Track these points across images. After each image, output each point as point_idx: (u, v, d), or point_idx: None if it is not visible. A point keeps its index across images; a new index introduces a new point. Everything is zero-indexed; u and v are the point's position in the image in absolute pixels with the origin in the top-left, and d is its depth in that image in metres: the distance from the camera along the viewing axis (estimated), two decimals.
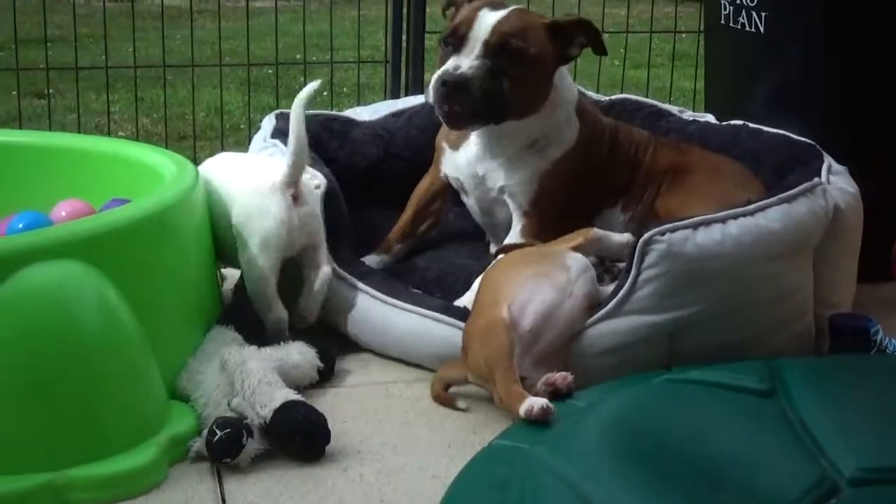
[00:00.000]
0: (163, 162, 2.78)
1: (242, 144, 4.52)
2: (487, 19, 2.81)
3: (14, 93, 5.43)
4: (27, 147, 3.09)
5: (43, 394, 2.16)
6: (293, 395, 2.35)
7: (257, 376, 2.36)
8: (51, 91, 5.20)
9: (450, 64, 2.79)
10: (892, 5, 3.13)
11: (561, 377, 2.36)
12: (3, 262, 2.17)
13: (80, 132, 4.45)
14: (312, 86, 2.69)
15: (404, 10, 4.04)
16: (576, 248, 2.65)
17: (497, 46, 2.78)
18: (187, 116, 4.75)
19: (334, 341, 2.75)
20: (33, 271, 2.17)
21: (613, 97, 3.45)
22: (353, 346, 2.82)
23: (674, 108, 3.38)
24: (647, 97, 3.55)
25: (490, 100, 2.77)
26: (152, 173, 2.76)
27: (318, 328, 2.82)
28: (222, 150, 3.72)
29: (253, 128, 3.36)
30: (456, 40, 2.81)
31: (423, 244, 3.18)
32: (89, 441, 2.20)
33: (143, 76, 4.56)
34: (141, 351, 2.31)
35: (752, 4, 3.26)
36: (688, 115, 3.34)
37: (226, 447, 2.24)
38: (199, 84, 4.53)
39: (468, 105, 2.77)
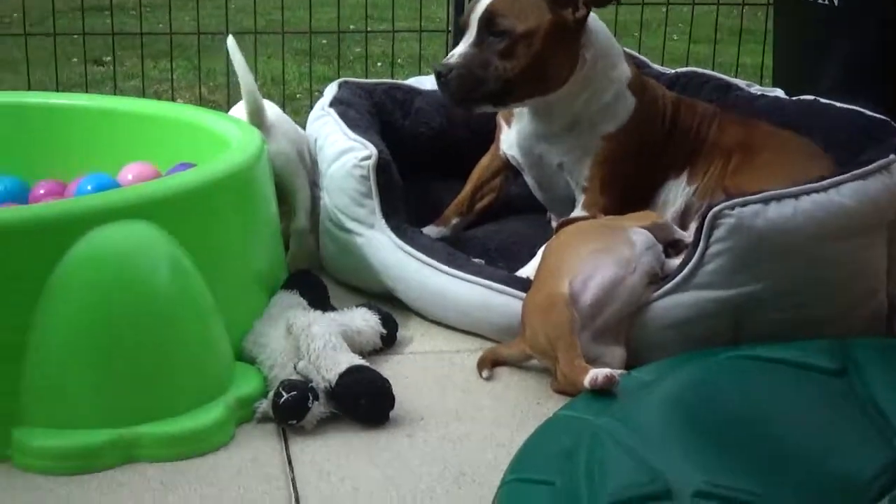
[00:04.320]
0: (228, 128, 2.79)
1: (299, 113, 4.55)
2: (483, 2, 2.82)
3: (74, 60, 5.49)
4: (96, 110, 3.10)
5: (113, 351, 2.19)
6: (358, 360, 2.36)
7: (322, 340, 2.36)
8: (109, 59, 5.22)
9: (452, 52, 2.83)
10: None
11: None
12: (77, 222, 2.18)
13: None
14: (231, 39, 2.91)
15: None
16: (643, 227, 2.63)
17: (486, 28, 2.79)
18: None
19: (395, 309, 2.74)
20: (106, 231, 2.19)
21: (680, 70, 3.41)
22: (413, 314, 2.82)
23: (741, 83, 3.33)
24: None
25: (480, 85, 2.78)
26: (218, 139, 2.76)
27: (379, 296, 2.83)
28: None
29: (313, 98, 3.34)
30: (461, 28, 2.85)
31: (484, 216, 3.18)
32: (158, 399, 2.22)
33: (200, 45, 4.55)
34: (209, 312, 2.32)
35: None
36: (756, 89, 3.29)
37: (292, 409, 2.25)
38: (254, 54, 4.53)
39: (459, 93, 2.79)
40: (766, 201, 2.51)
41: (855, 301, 2.63)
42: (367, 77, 3.18)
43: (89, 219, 2.19)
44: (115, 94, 4.40)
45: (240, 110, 2.97)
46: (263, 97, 2.97)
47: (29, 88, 4.36)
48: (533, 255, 2.82)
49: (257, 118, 2.89)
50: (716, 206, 2.51)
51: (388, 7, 4.48)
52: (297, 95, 4.94)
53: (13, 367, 2.15)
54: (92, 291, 2.17)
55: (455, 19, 4.03)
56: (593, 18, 2.92)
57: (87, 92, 4.33)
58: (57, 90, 4.47)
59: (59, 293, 2.15)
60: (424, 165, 3.08)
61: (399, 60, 5.50)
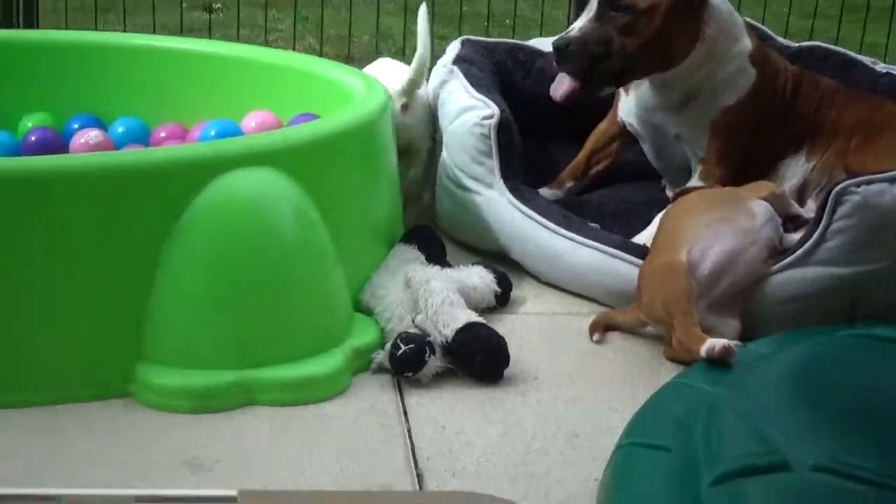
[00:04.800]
0: (351, 80, 2.82)
1: None
2: None
3: (185, 4, 5.53)
4: (219, 57, 3.16)
5: (236, 294, 2.23)
6: (475, 317, 2.38)
7: (441, 296, 2.39)
8: (219, 5, 5.29)
9: (571, 26, 2.81)
10: None
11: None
12: (208, 167, 2.22)
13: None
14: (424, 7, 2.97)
15: None
16: (762, 198, 2.62)
17: (607, 3, 2.77)
18: (355, 39, 4.79)
19: (507, 269, 2.75)
20: (234, 177, 2.22)
21: (803, 44, 3.38)
22: (526, 274, 2.83)
23: (866, 59, 3.29)
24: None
25: (600, 60, 2.77)
26: (340, 90, 2.80)
27: (492, 254, 2.85)
28: None
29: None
30: (583, 1, 2.83)
31: (598, 181, 3.18)
32: (278, 344, 2.26)
33: None
34: (331, 261, 2.36)
35: None
36: (881, 67, 3.25)
37: (409, 362, 2.28)
38: (357, 7, 4.56)
39: (578, 68, 2.79)
40: (892, 180, 2.49)
41: None
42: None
43: (221, 164, 2.22)
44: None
45: (379, 69, 3.00)
46: (372, 51, 3.03)
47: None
48: (648, 221, 2.83)
49: (413, 89, 2.95)
50: (841, 182, 2.49)
51: None
52: (407, 52, 4.94)
53: (139, 306, 2.19)
54: (219, 235, 2.21)
55: None
56: None
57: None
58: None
59: (187, 235, 2.19)
60: (541, 127, 3.09)
61: (507, 21, 5.49)
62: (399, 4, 5.11)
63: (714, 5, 2.88)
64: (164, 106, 3.16)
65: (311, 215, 2.30)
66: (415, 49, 2.93)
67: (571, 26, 2.83)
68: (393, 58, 3.36)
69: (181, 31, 4.49)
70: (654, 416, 2.10)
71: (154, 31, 4.59)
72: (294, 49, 4.90)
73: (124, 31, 4.57)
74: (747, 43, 2.93)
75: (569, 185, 3.12)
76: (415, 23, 2.98)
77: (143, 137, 3.07)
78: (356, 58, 4.86)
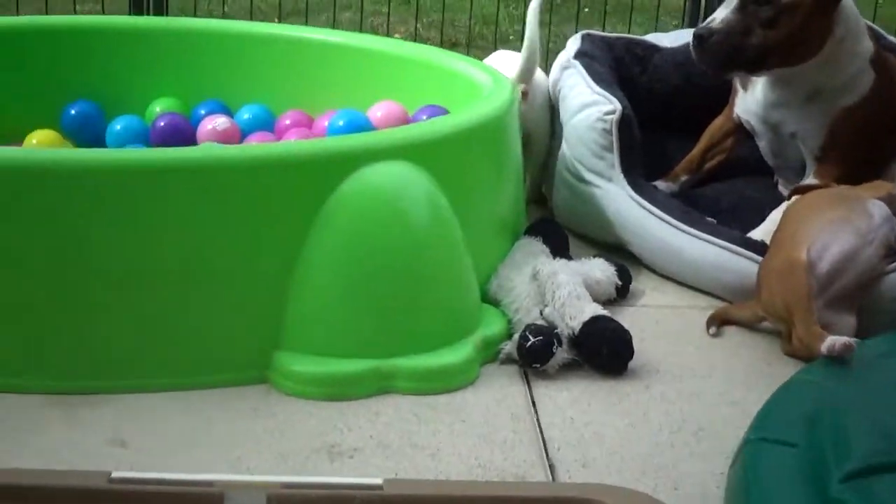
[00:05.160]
0: (475, 73, 2.90)
1: None
2: None
3: None
4: (344, 47, 3.27)
5: (374, 284, 2.31)
6: (601, 310, 2.45)
7: (567, 289, 2.46)
8: None
9: (713, 16, 2.87)
10: None
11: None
12: (346, 162, 2.30)
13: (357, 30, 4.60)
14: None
15: None
16: (878, 198, 2.67)
17: None
18: (456, 23, 4.85)
19: (624, 261, 2.82)
20: (372, 170, 2.30)
21: None
22: (643, 267, 2.90)
23: None
24: None
25: (740, 52, 2.83)
26: (465, 83, 2.88)
27: (609, 246, 2.93)
28: None
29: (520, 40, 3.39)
30: None
31: (712, 176, 3.24)
32: (413, 333, 2.34)
33: None
34: (462, 252, 2.43)
35: None
36: None
37: (537, 353, 2.35)
38: None
39: (717, 58, 2.85)
40: None
41: None
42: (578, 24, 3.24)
43: (360, 157, 2.30)
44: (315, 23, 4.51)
45: (497, 60, 3.09)
46: (477, 37, 3.09)
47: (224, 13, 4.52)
48: (763, 217, 2.89)
49: (528, 76, 3.04)
50: None
51: None
52: (510, 37, 5.01)
53: (279, 294, 2.28)
54: (358, 226, 2.29)
55: None
56: None
57: (283, 20, 4.45)
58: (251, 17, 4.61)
59: (328, 225, 2.27)
60: (658, 121, 3.14)
61: (607, 8, 5.52)
62: None
63: (845, 6, 2.94)
64: (289, 93, 3.26)
65: (444, 208, 2.38)
66: (516, 34, 3.00)
67: (713, 16, 2.89)
68: (497, 44, 3.42)
69: (280, 14, 4.57)
70: (781, 411, 2.16)
71: (251, 14, 4.68)
72: (402, 33, 5.00)
73: (223, 12, 4.66)
74: (869, 45, 2.98)
75: (683, 178, 3.19)
76: (513, 7, 3.05)
77: (268, 124, 3.17)
78: (460, 43, 4.95)
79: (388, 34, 4.64)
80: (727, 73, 2.96)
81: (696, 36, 2.88)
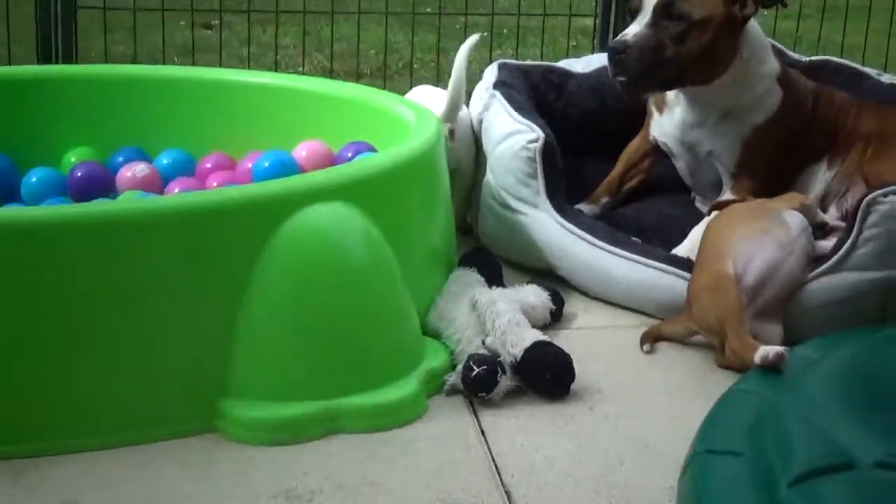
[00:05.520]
0: (401, 109, 2.95)
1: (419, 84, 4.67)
2: None
3: (182, 23, 5.59)
4: (262, 87, 3.29)
5: (318, 325, 2.33)
6: (541, 336, 2.51)
7: (507, 316, 2.52)
8: (217, 22, 5.32)
9: (626, 31, 2.95)
10: None
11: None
12: (286, 204, 2.32)
13: (251, 66, 4.60)
14: (475, 38, 3.07)
15: None
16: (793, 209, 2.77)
17: (663, 11, 2.92)
18: (361, 54, 4.87)
19: (554, 285, 2.87)
20: (311, 212, 2.32)
21: (814, 59, 3.55)
22: (573, 290, 2.96)
23: (872, 71, 3.47)
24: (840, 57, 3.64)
25: (654, 65, 2.91)
26: (390, 120, 2.93)
27: (537, 271, 2.99)
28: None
29: (425, 69, 3.45)
30: (634, 9, 2.97)
31: (631, 196, 3.33)
32: (360, 371, 2.36)
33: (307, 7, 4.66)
34: (401, 287, 2.47)
35: None
36: (886, 78, 3.43)
37: (482, 382, 2.40)
38: (363, 20, 4.63)
39: (632, 71, 2.91)
40: None
41: None
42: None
43: (297, 199, 2.33)
44: (224, 60, 4.51)
45: (420, 96, 3.15)
46: (381, 65, 3.12)
47: (135, 55, 4.48)
48: (684, 234, 2.99)
49: (454, 115, 3.09)
50: (870, 194, 2.65)
51: None
52: (415, 65, 5.05)
53: (223, 341, 2.28)
54: (298, 269, 2.31)
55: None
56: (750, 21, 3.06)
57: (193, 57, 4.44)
58: (163, 55, 4.58)
59: (268, 270, 2.28)
60: (575, 146, 3.22)
61: (504, 31, 5.59)
62: (405, 20, 5.22)
63: (750, 28, 3.05)
64: (208, 136, 3.27)
65: (381, 245, 2.42)
66: (419, 62, 3.04)
67: (626, 31, 2.96)
68: (403, 72, 3.46)
69: (193, 51, 4.56)
70: (724, 423, 2.24)
71: (164, 57, 4.65)
72: (303, 66, 5.01)
73: (134, 51, 4.63)
74: (775, 65, 3.10)
75: (604, 200, 3.27)
76: (420, 36, 3.09)
77: (189, 169, 3.17)
78: (367, 74, 4.99)
79: (291, 69, 4.65)
80: (642, 88, 3.02)
81: (610, 49, 2.95)
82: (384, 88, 3.99)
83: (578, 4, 5.04)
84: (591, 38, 4.57)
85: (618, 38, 2.97)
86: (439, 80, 4.50)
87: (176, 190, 2.98)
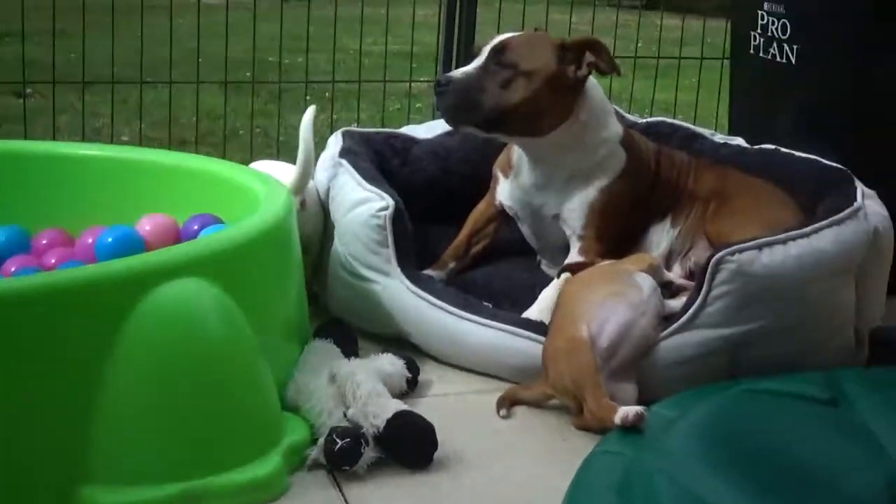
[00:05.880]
0: (247, 179, 2.92)
1: (245, 151, 4.64)
2: (501, 36, 3.07)
3: None
4: (104, 159, 3.21)
5: (178, 406, 2.27)
6: (402, 406, 2.50)
7: (368, 387, 2.50)
8: (30, 90, 5.20)
9: (460, 69, 3.08)
10: None
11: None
12: (142, 282, 2.25)
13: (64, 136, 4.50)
14: (313, 110, 3.13)
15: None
16: (643, 271, 2.83)
17: (494, 56, 3.02)
18: (182, 121, 4.82)
19: (409, 353, 2.87)
20: (167, 289, 2.27)
21: (649, 120, 3.64)
22: (426, 357, 2.95)
23: (706, 132, 3.57)
24: (674, 119, 3.76)
25: (472, 105, 2.99)
26: (236, 191, 2.90)
27: (389, 339, 2.98)
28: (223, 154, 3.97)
29: (253, 136, 3.42)
30: (474, 53, 3.09)
31: (477, 260, 3.35)
32: (221, 450, 2.31)
33: (119, 75, 4.58)
34: (259, 362, 2.43)
35: (784, 37, 3.49)
36: (719, 138, 3.53)
37: (346, 455, 2.37)
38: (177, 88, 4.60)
39: (451, 107, 3.01)
40: (759, 248, 2.74)
41: (830, 336, 2.88)
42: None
43: (153, 277, 2.27)
44: (37, 130, 4.39)
45: (267, 167, 3.12)
46: (204, 132, 3.09)
47: None
48: (534, 296, 3.01)
49: (303, 186, 3.09)
50: (718, 252, 2.73)
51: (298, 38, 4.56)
52: (240, 132, 5.01)
53: (80, 425, 2.20)
54: (157, 348, 2.25)
55: (444, 62, 4.31)
56: (592, 84, 3.14)
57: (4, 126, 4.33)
58: None
59: (125, 351, 2.22)
60: (420, 211, 3.22)
61: (326, 94, 5.59)
62: (222, 85, 5.17)
63: (589, 94, 3.12)
64: (44, 212, 3.15)
65: (239, 321, 2.37)
66: (245, 128, 3.02)
67: (458, 69, 3.08)
68: (228, 138, 3.42)
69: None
70: (591, 485, 2.26)
71: None
72: (128, 135, 4.91)
73: None
74: (618, 128, 3.17)
75: (451, 265, 3.28)
76: (237, 100, 3.07)
77: (24, 246, 3.06)
78: (188, 140, 4.92)
79: (112, 139, 4.55)
80: (459, 123, 3.08)
81: (436, 82, 3.05)
82: (197, 154, 3.96)
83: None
84: (421, 101, 4.63)
85: (447, 74, 3.07)
86: (253, 147, 4.51)
87: (13, 269, 2.87)
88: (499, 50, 3.02)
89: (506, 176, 3.25)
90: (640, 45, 5.11)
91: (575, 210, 3.11)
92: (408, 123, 3.81)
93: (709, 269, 2.72)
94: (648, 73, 5.01)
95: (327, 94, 5.36)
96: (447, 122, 3.12)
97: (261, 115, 4.78)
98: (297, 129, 3.09)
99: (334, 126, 4.24)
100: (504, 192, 3.26)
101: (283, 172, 3.11)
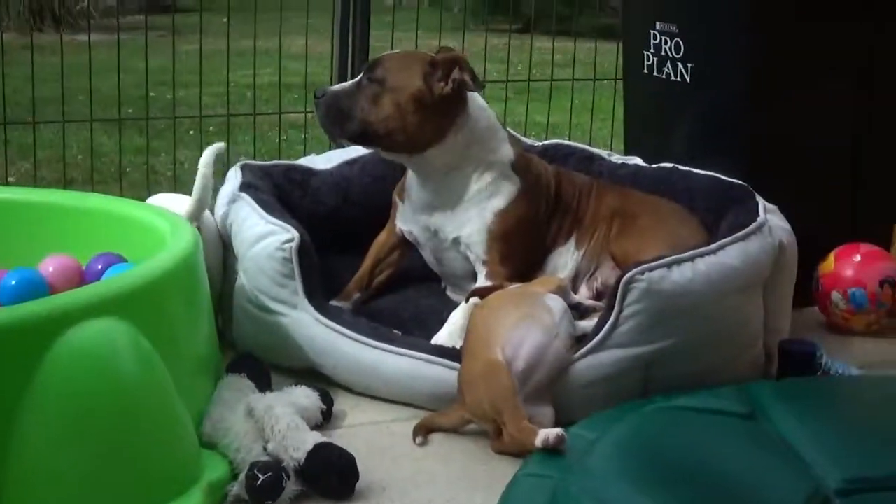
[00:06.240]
0: (147, 216, 2.88)
1: (135, 187, 4.57)
2: (382, 54, 3.14)
3: None
4: (10, 202, 3.12)
5: (96, 446, 2.21)
6: (322, 438, 2.47)
7: (286, 420, 2.47)
8: None
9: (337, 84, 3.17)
10: (811, 70, 3.45)
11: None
12: (54, 324, 2.20)
13: None
14: (220, 146, 3.17)
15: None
16: (552, 293, 2.84)
17: (368, 72, 3.08)
18: (68, 160, 4.71)
19: (318, 384, 2.83)
20: (80, 330, 2.22)
21: (546, 142, 3.67)
22: (338, 388, 2.91)
23: (603, 152, 3.61)
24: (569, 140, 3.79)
25: (343, 118, 3.06)
26: (137, 228, 2.85)
27: (298, 371, 2.93)
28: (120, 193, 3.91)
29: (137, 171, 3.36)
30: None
31: (382, 289, 3.34)
32: (141, 490, 2.25)
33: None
34: (175, 400, 2.38)
35: (677, 56, 3.54)
36: (616, 158, 3.57)
37: (268, 490, 2.33)
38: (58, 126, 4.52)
39: (325, 119, 3.09)
40: (668, 266, 2.77)
41: (739, 351, 2.92)
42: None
43: (69, 317, 2.21)
44: None
45: (160, 202, 3.07)
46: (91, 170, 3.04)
47: None
48: (442, 322, 3.00)
49: (198, 213, 3.07)
50: (628, 272, 2.74)
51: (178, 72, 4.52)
52: (128, 169, 4.92)
53: None
54: (73, 391, 2.19)
55: None
56: (477, 106, 3.15)
57: None
58: None
59: (40, 394, 2.16)
60: (323, 242, 3.17)
61: (211, 128, 5.55)
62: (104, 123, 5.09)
63: (472, 116, 3.12)
64: None
65: (154, 359, 2.32)
66: (133, 165, 2.98)
67: (340, 84, 3.17)
68: (111, 177, 3.36)
69: None
70: None
71: None
72: (7, 174, 4.80)
73: None
74: (508, 152, 3.18)
75: (356, 296, 3.26)
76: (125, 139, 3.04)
77: None
78: (76, 180, 4.83)
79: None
80: (335, 135, 3.15)
81: (314, 94, 3.12)
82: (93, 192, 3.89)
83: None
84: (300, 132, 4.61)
85: (324, 87, 3.14)
86: (146, 184, 4.44)
87: None
88: (372, 66, 3.10)
89: (402, 200, 3.25)
90: (519, 67, 5.14)
91: (474, 235, 3.12)
92: (303, 155, 3.77)
93: (619, 289, 2.74)
94: (536, 95, 5.04)
95: (212, 127, 5.31)
96: (326, 133, 3.20)
97: (143, 152, 4.71)
98: (185, 164, 3.06)
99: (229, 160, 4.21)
100: (402, 217, 3.26)
101: (179, 205, 3.07)
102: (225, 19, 4.53)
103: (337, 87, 3.13)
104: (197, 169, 3.07)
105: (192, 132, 5.73)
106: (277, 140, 4.67)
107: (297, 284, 2.94)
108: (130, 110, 5.48)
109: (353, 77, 3.34)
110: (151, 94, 4.88)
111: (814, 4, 3.45)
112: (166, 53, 4.50)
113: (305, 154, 3.80)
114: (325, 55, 4.49)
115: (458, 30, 4.90)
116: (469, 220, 3.12)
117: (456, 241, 3.14)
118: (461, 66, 3.03)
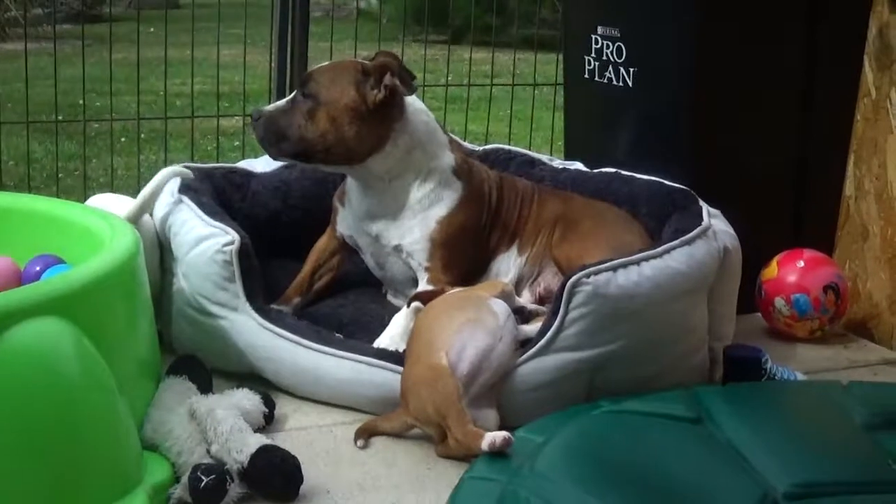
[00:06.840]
0: (86, 217, 2.82)
1: (68, 193, 4.50)
2: (313, 68, 3.13)
3: None
4: None
5: (37, 449, 2.16)
6: (265, 440, 2.43)
7: (229, 423, 2.44)
8: None
9: (273, 104, 3.15)
10: (751, 72, 3.46)
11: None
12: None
13: None
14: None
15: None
16: (496, 296, 2.82)
17: (300, 89, 3.07)
18: (2, 166, 4.65)
19: (260, 388, 2.78)
20: (23, 329, 2.17)
21: (487, 147, 3.65)
22: (280, 391, 2.88)
23: (544, 157, 3.60)
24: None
25: (281, 137, 3.03)
26: (76, 229, 2.80)
27: (239, 375, 2.89)
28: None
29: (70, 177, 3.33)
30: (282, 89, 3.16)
31: (322, 293, 3.30)
32: (83, 493, 2.21)
33: None
34: (118, 401, 2.33)
35: (619, 61, 3.53)
36: (557, 163, 3.56)
37: (212, 492, 2.29)
38: None
39: (264, 138, 3.07)
40: (614, 269, 2.76)
41: (684, 355, 2.92)
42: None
43: (10, 316, 2.16)
44: None
45: (100, 202, 3.03)
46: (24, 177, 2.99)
47: None
48: (383, 326, 2.97)
49: (139, 216, 3.04)
50: (573, 276, 2.73)
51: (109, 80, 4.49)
52: (61, 175, 4.85)
53: None
54: (12, 392, 2.14)
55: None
56: (416, 111, 3.13)
57: None
58: None
59: None
60: (262, 246, 3.13)
61: (143, 136, 5.49)
62: (39, 127, 5.03)
63: (411, 122, 3.10)
64: None
65: (96, 360, 2.27)
66: (66, 171, 2.93)
67: (274, 103, 3.14)
68: (44, 183, 3.32)
69: None
70: None
71: None
72: None
73: None
74: (450, 158, 3.16)
75: (296, 300, 3.22)
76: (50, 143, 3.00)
77: None
78: (10, 186, 4.75)
79: None
80: (275, 153, 3.11)
81: (252, 115, 3.10)
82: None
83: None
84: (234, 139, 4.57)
85: (259, 108, 3.12)
86: (87, 189, 4.38)
87: None
88: (304, 82, 3.07)
89: (342, 205, 3.22)
90: (450, 77, 5.13)
91: (416, 244, 3.09)
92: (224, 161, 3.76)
93: (565, 292, 2.72)
94: (470, 105, 5.04)
95: (143, 135, 5.26)
96: (266, 151, 3.14)
97: (75, 158, 4.65)
98: (118, 170, 3.02)
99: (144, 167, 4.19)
100: (342, 222, 3.24)
101: (120, 205, 3.03)
102: (152, 28, 4.51)
103: (272, 106, 3.10)
104: (130, 175, 3.04)
105: (123, 139, 5.68)
106: (211, 147, 4.64)
107: (238, 287, 2.89)
108: (61, 117, 5.43)
109: (292, 88, 3.31)
110: (80, 101, 4.83)
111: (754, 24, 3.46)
112: (95, 62, 4.46)
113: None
114: (256, 64, 4.46)
115: (388, 41, 4.88)
116: (411, 229, 3.10)
117: (398, 249, 3.12)
118: (392, 71, 3.00)
